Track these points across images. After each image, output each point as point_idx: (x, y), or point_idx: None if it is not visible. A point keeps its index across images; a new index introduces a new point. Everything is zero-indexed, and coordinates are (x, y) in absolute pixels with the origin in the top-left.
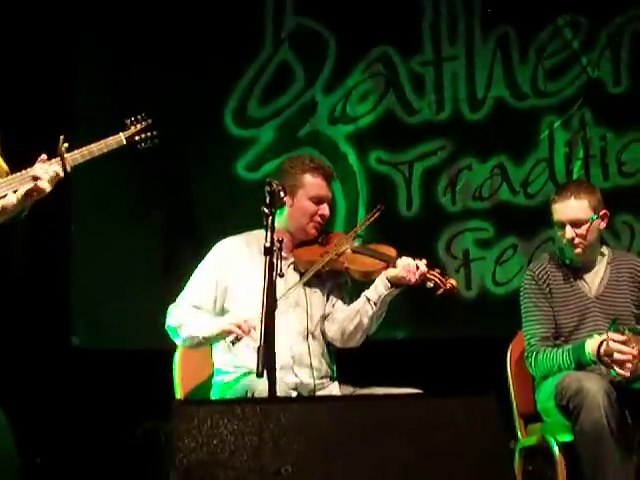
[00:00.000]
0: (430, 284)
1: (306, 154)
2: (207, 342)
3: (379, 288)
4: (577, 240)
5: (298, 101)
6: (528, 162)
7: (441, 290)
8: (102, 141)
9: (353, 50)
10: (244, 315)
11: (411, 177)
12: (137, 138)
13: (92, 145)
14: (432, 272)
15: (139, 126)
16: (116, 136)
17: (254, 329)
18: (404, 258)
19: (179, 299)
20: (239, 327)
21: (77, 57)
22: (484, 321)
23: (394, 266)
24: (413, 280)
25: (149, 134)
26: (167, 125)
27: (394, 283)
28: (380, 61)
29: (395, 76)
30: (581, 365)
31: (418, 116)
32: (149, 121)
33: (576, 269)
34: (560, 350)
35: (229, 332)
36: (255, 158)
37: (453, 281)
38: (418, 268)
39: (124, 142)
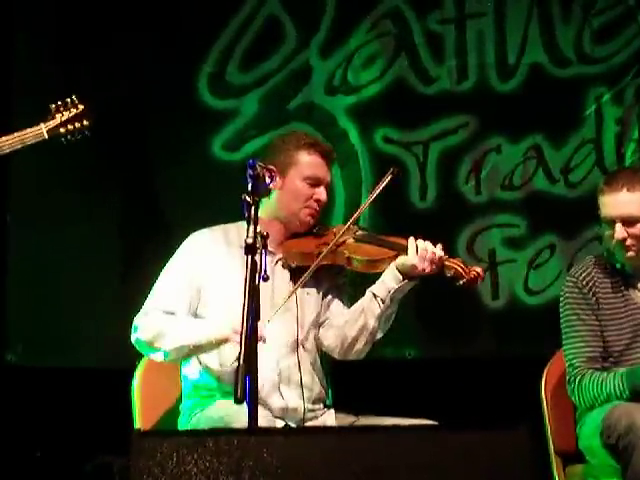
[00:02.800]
0: (450, 272)
1: (300, 130)
2: (197, 352)
3: (388, 281)
4: (629, 241)
5: (288, 65)
6: (570, 143)
7: (463, 280)
8: (16, 134)
9: (356, 4)
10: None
11: (426, 160)
12: (62, 130)
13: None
14: (452, 259)
15: (67, 114)
16: (35, 129)
17: (263, 341)
18: (417, 241)
19: (147, 307)
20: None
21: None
22: (514, 338)
23: (405, 255)
24: (429, 269)
25: (78, 125)
26: (126, 95)
27: (406, 274)
28: (389, 18)
29: (408, 36)
30: (637, 394)
31: (435, 86)
32: (80, 108)
33: (628, 276)
34: (610, 375)
35: (234, 341)
36: (235, 135)
37: (478, 269)
38: (434, 254)
39: (45, 136)
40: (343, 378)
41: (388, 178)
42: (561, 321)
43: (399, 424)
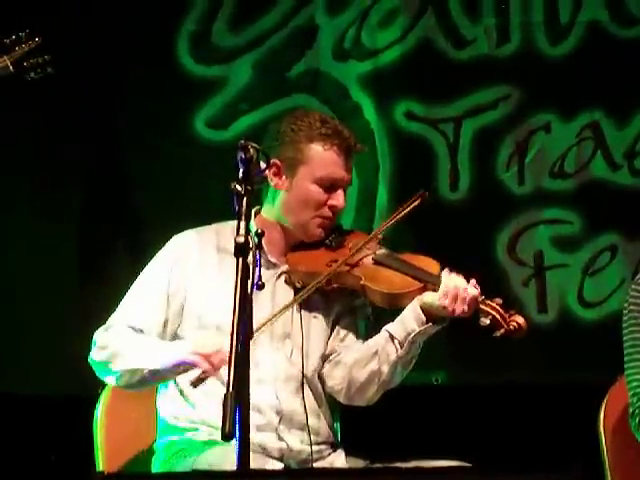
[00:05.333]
0: (486, 320)
1: (314, 111)
2: (155, 379)
3: (408, 322)
4: None
5: (289, 24)
6: (636, 121)
7: (502, 330)
8: None
9: None
10: (214, 341)
11: (458, 142)
12: (26, 64)
13: None
14: (489, 302)
15: (25, 47)
16: None
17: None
18: (449, 276)
19: (111, 320)
20: (207, 359)
21: None
22: (565, 360)
23: (434, 289)
24: (459, 311)
25: (39, 59)
26: (89, 59)
27: (431, 315)
28: None
29: None
30: None
31: (470, 49)
32: (37, 40)
33: None
34: None
35: (191, 365)
36: (223, 110)
37: (520, 319)
38: (468, 295)
39: (10, 69)
40: (354, 409)
41: (414, 203)
42: (624, 340)
43: (422, 466)
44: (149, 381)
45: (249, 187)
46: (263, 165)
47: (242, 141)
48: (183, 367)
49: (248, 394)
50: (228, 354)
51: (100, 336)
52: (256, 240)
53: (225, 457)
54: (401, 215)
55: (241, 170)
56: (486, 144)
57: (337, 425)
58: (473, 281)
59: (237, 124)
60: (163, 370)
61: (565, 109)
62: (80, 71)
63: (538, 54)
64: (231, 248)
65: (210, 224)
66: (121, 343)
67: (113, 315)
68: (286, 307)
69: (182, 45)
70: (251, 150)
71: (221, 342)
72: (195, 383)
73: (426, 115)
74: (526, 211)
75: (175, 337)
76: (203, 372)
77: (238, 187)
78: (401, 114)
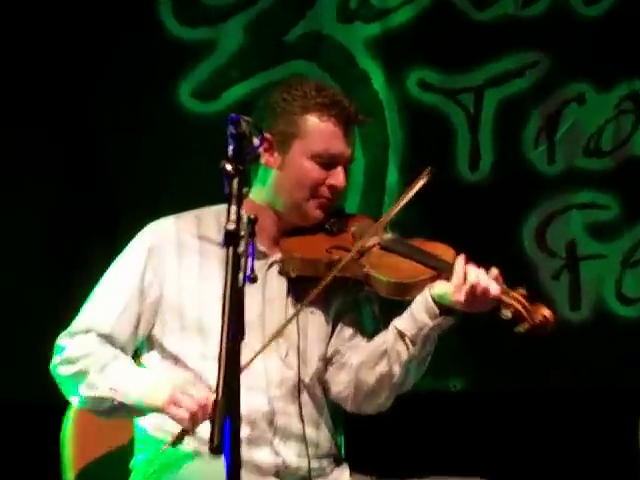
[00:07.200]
0: (507, 313)
1: (310, 79)
2: (123, 413)
3: (419, 315)
4: None
5: None
6: None
7: (526, 325)
8: None
9: None
10: (199, 391)
11: (479, 115)
12: None
13: None
14: (512, 292)
15: None
16: None
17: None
18: (465, 266)
19: (77, 324)
20: (192, 414)
21: None
22: (600, 363)
23: (448, 277)
24: (477, 308)
25: None
26: (56, 21)
27: (445, 307)
28: None
29: None
30: None
31: (493, 10)
32: None
33: None
34: None
35: (170, 416)
36: (211, 78)
37: (546, 311)
38: (488, 286)
39: None
40: (360, 419)
41: (421, 182)
42: None
43: None
44: (118, 413)
45: (240, 166)
46: (257, 141)
47: (233, 115)
48: (155, 411)
49: (239, 405)
50: (212, 406)
51: (65, 344)
52: (249, 227)
53: (212, 474)
54: (407, 198)
55: (231, 147)
56: (511, 117)
57: (341, 437)
58: (494, 271)
59: (227, 94)
60: (136, 407)
61: (601, 78)
62: (49, 37)
63: (570, 14)
64: (213, 235)
65: (199, 208)
66: (90, 361)
67: (78, 317)
68: (292, 317)
69: (165, 5)
70: (243, 124)
71: (207, 391)
72: (175, 442)
73: (443, 85)
74: (557, 194)
75: (150, 341)
76: (183, 429)
77: (228, 166)
78: (414, 83)
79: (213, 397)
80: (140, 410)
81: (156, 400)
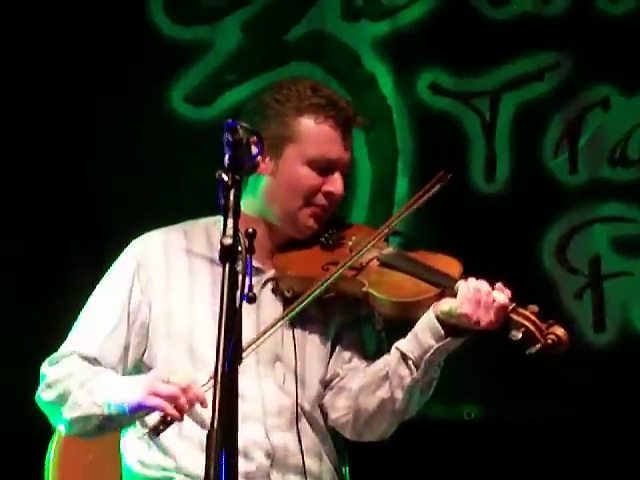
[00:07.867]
0: (517, 334)
1: (304, 78)
2: (113, 426)
3: (424, 337)
4: None
5: None
6: None
7: (537, 345)
8: None
9: None
10: (184, 374)
11: (495, 121)
12: None
13: None
14: (521, 310)
15: None
16: None
17: (203, 405)
18: (470, 280)
19: (61, 350)
20: (172, 399)
21: None
22: (628, 389)
23: (454, 294)
24: (485, 322)
25: None
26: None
27: (451, 327)
28: None
29: None
30: None
31: (510, 7)
32: None
33: None
34: None
35: (150, 409)
36: (206, 81)
37: (559, 331)
38: (495, 301)
39: None
40: (366, 448)
41: (435, 188)
42: None
43: None
44: (105, 428)
45: (238, 176)
46: (255, 150)
47: (230, 121)
48: (138, 411)
49: (236, 434)
50: (200, 389)
51: (48, 370)
52: (246, 242)
53: None
54: (415, 205)
55: (228, 156)
56: (530, 124)
57: (345, 467)
58: (499, 284)
59: (223, 99)
60: (117, 415)
61: (627, 81)
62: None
63: (594, 13)
64: (202, 251)
65: (186, 221)
66: (71, 381)
67: (64, 343)
68: (276, 323)
69: (155, 1)
70: (241, 131)
71: (191, 373)
72: (153, 431)
73: (456, 88)
74: (579, 207)
75: (141, 366)
76: (165, 416)
77: (225, 176)
78: (425, 87)
79: (197, 383)
80: (124, 416)
81: (136, 395)
